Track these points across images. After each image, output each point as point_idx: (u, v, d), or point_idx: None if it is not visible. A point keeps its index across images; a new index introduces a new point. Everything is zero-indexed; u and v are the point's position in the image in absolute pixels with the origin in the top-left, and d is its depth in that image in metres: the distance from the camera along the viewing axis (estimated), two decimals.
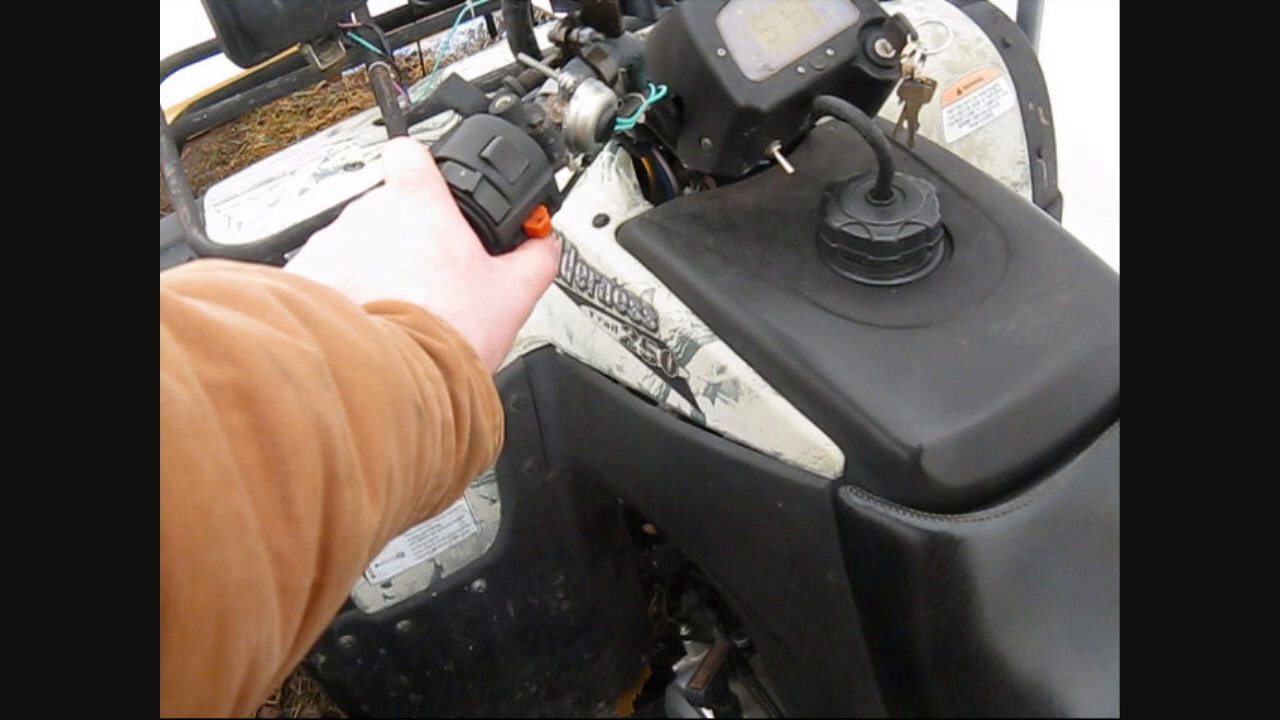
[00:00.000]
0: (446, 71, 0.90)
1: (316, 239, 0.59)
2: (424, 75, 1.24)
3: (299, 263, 0.58)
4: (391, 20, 1.34)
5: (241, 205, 1.06)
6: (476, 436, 0.52)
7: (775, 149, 0.86)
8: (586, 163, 0.72)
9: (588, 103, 0.68)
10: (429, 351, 0.49)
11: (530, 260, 0.63)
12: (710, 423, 0.87)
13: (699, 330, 0.85)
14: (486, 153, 0.61)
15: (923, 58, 0.82)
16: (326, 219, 0.96)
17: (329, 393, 0.39)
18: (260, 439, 0.34)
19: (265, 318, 0.38)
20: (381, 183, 0.61)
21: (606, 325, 0.94)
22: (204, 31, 1.00)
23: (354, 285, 0.54)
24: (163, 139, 1.03)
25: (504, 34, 1.45)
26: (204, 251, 0.97)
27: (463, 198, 0.60)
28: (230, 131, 3.22)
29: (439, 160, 0.62)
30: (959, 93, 1.20)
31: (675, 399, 0.90)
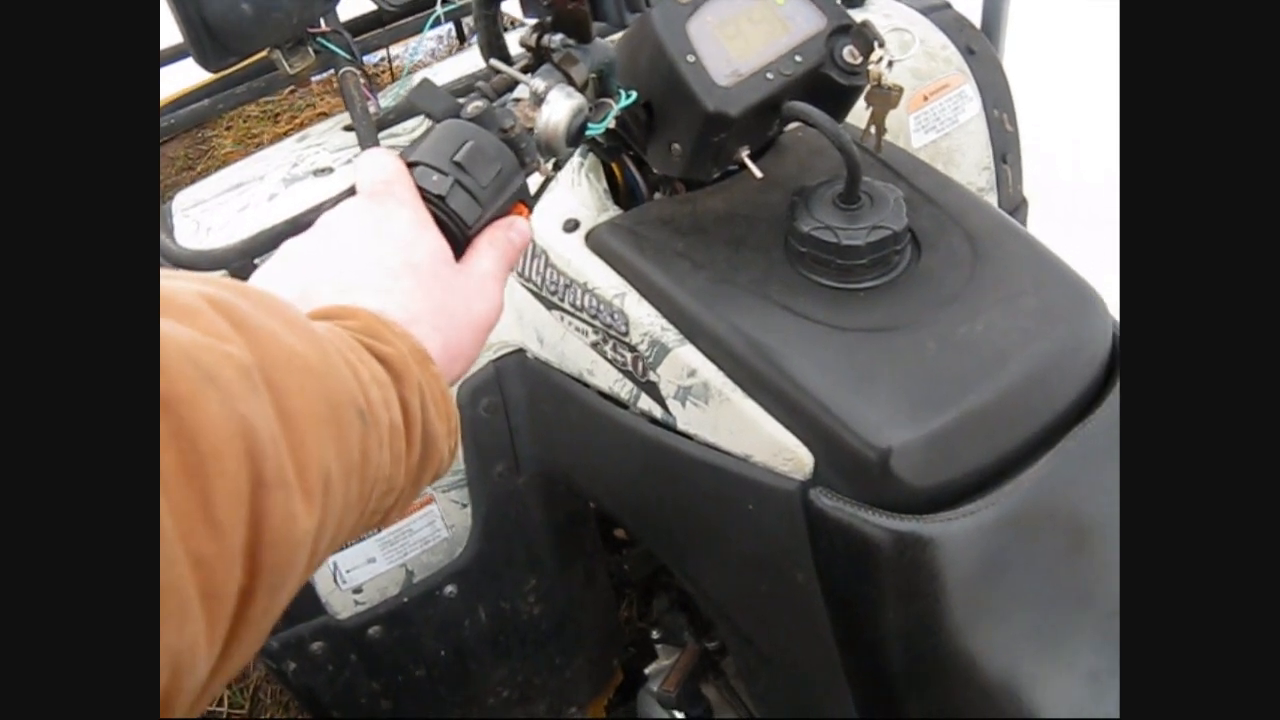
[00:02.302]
0: (416, 77, 0.90)
1: (286, 247, 0.59)
2: (393, 81, 1.24)
3: (265, 269, 0.58)
4: (361, 25, 1.33)
5: (210, 210, 1.06)
6: (429, 440, 0.52)
7: (744, 154, 0.87)
8: (557, 167, 0.72)
9: (559, 108, 0.68)
10: (377, 356, 0.49)
11: (487, 257, 0.63)
12: (681, 426, 0.88)
13: (669, 334, 0.85)
14: (458, 157, 0.62)
15: (889, 64, 0.83)
16: (296, 224, 0.96)
17: (256, 396, 0.38)
18: (179, 443, 0.34)
19: (195, 323, 0.38)
20: (353, 190, 0.61)
21: (577, 330, 0.94)
22: (170, 35, 1.00)
23: (312, 292, 0.54)
24: None
25: (473, 40, 1.45)
26: (172, 257, 0.97)
27: (435, 202, 0.61)
28: (197, 137, 3.20)
29: (411, 165, 0.62)
30: (925, 99, 1.21)
31: (646, 402, 0.90)
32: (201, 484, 0.35)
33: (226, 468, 0.36)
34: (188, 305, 0.39)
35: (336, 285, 0.55)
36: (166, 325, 0.37)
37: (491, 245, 0.64)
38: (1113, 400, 0.81)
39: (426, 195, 0.61)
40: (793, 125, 0.95)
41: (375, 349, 0.49)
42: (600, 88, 0.76)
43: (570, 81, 0.71)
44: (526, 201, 0.67)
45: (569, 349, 0.97)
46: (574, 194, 0.96)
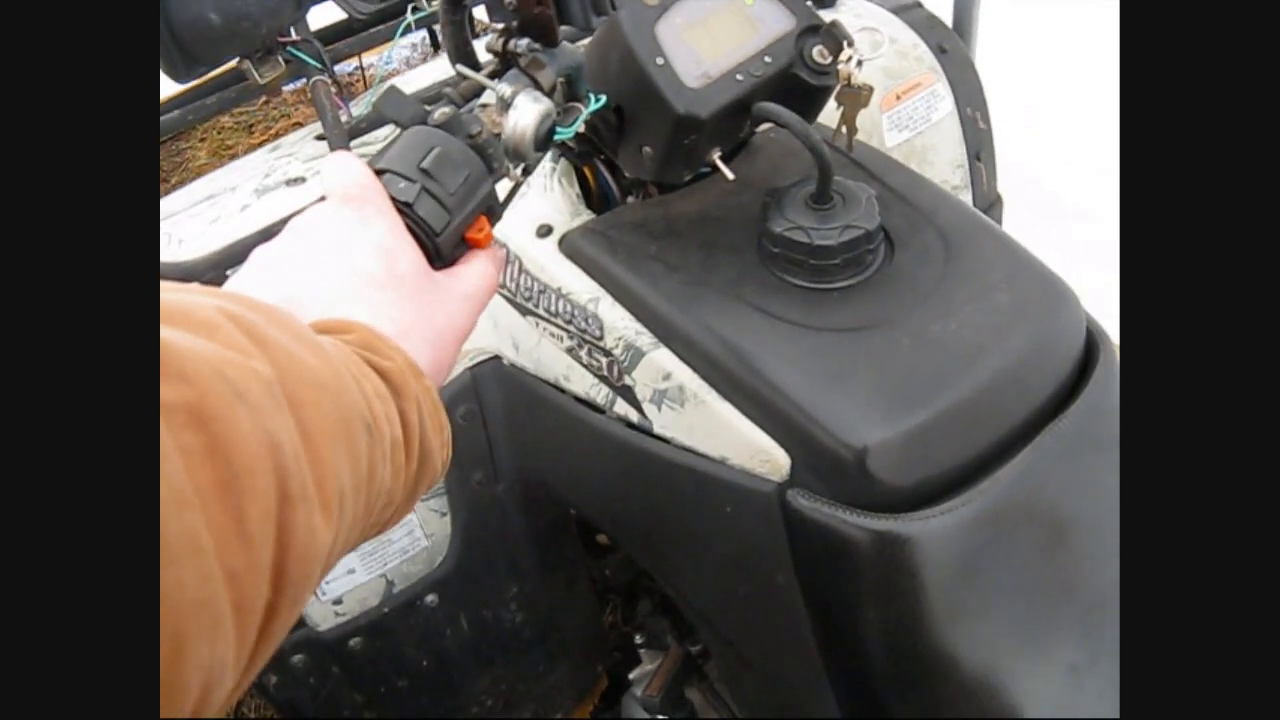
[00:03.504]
0: (387, 85, 0.89)
1: (258, 254, 0.59)
2: (365, 90, 1.23)
3: (240, 279, 0.57)
4: (332, 34, 1.33)
5: (182, 222, 1.05)
6: (425, 453, 0.52)
7: (716, 156, 0.87)
8: (527, 172, 0.72)
9: (526, 112, 0.68)
10: (377, 370, 0.49)
11: (472, 274, 0.63)
12: (657, 429, 0.88)
13: (644, 338, 0.85)
14: (425, 164, 0.61)
15: (859, 63, 0.83)
16: (268, 235, 0.95)
17: (281, 412, 0.39)
18: (214, 459, 0.35)
19: (216, 338, 0.38)
20: (323, 198, 0.61)
21: (552, 335, 0.94)
22: None
23: (298, 304, 0.54)
24: None
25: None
26: None
27: (403, 209, 0.60)
28: (171, 149, 3.18)
29: (378, 172, 0.62)
30: (898, 98, 1.21)
31: (622, 407, 0.90)
32: (236, 500, 0.35)
33: (258, 484, 0.36)
34: (208, 320, 0.39)
35: (321, 298, 0.54)
36: (190, 340, 0.37)
37: (478, 267, 0.64)
38: (1087, 395, 0.81)
39: (394, 203, 0.60)
40: (764, 126, 0.95)
41: (375, 363, 0.49)
42: (569, 92, 0.76)
43: (537, 86, 0.71)
44: (495, 208, 0.67)
45: (544, 355, 0.97)
46: (546, 199, 0.96)
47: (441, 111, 0.65)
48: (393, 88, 0.68)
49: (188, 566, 0.32)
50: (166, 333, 0.36)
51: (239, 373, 0.37)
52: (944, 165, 1.26)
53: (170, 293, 0.41)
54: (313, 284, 0.55)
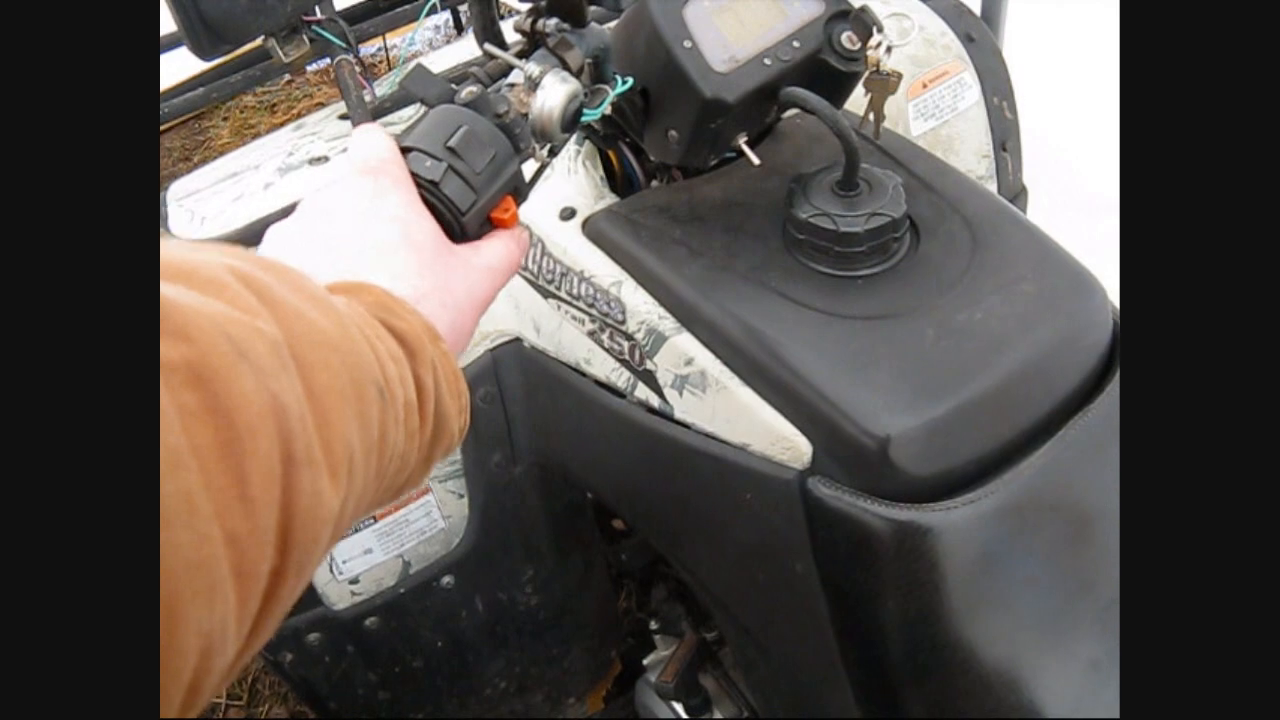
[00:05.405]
0: (412, 65, 0.89)
1: (275, 229, 0.59)
2: (389, 70, 1.23)
3: (260, 254, 0.57)
4: (357, 14, 1.33)
5: (205, 200, 1.05)
6: (441, 418, 0.51)
7: (742, 141, 0.86)
8: (553, 153, 0.72)
9: (554, 93, 0.68)
10: (391, 331, 0.49)
11: (495, 250, 0.63)
12: (678, 415, 0.87)
13: (666, 322, 0.85)
14: (452, 143, 0.61)
15: (888, 50, 0.83)
16: (290, 213, 0.96)
17: (287, 373, 0.38)
18: (215, 419, 0.34)
19: (222, 296, 0.38)
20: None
21: (574, 318, 0.94)
22: (165, 24, 0.99)
23: (315, 272, 0.54)
24: None
25: (469, 29, 1.44)
26: None
27: (428, 187, 0.60)
28: (194, 128, 3.19)
29: (405, 150, 0.61)
30: (924, 86, 1.20)
31: (643, 391, 0.90)
32: (237, 461, 0.34)
33: (260, 445, 0.35)
34: (214, 278, 0.38)
35: (338, 267, 0.54)
36: (194, 298, 0.36)
37: (500, 243, 0.63)
38: (1113, 388, 0.80)
39: (420, 181, 0.60)
40: (791, 112, 0.94)
41: (390, 324, 0.49)
42: (596, 73, 0.75)
43: (565, 66, 0.70)
44: (520, 188, 0.66)
45: (566, 338, 0.96)
46: (570, 182, 0.96)
47: (469, 90, 0.65)
48: (420, 66, 0.68)
49: (182, 528, 0.32)
50: (170, 290, 0.35)
51: (243, 332, 0.36)
52: (969, 155, 1.25)
53: (178, 250, 0.40)
54: (329, 252, 0.55)
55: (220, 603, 0.33)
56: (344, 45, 1.08)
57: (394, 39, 1.46)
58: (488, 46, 0.73)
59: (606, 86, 0.75)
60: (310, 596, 1.04)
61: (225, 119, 3.23)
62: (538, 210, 0.94)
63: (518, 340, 1.02)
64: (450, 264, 0.58)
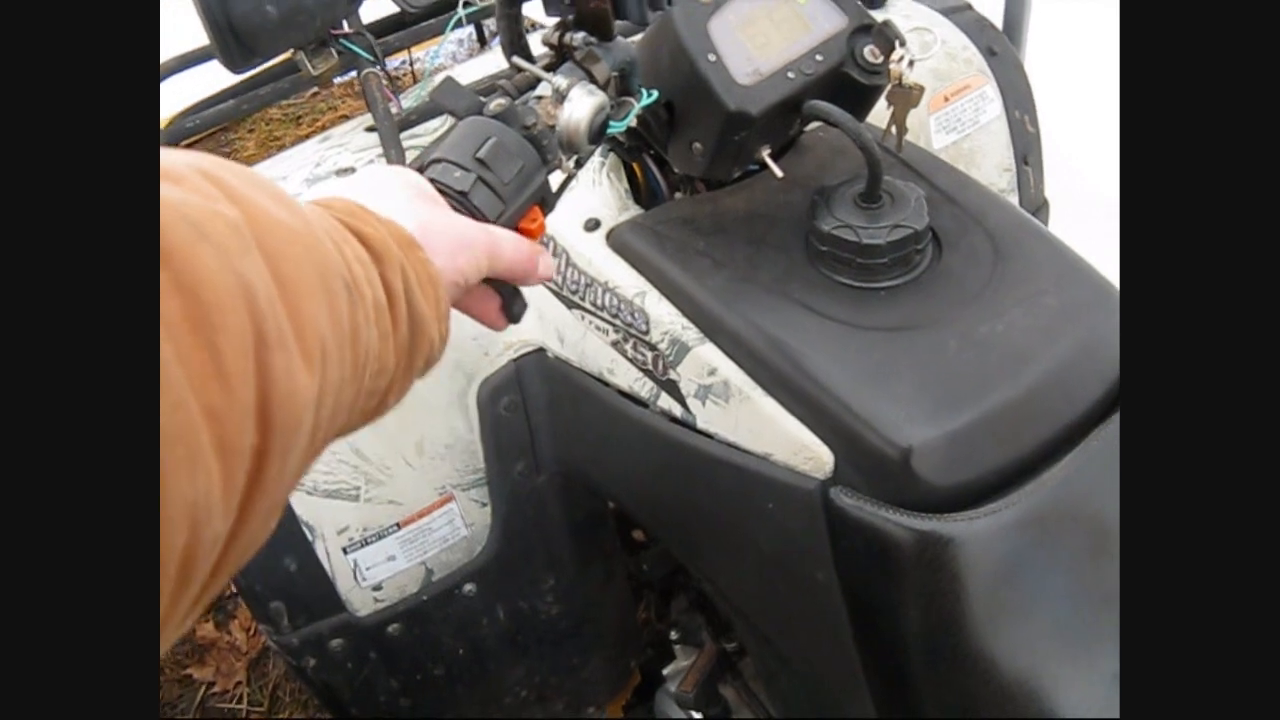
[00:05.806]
0: (439, 78, 0.90)
1: None
2: (415, 83, 1.24)
3: None
4: (383, 28, 1.34)
5: None
6: (417, 321, 0.52)
7: (765, 153, 0.87)
8: (579, 165, 0.73)
9: (581, 105, 0.68)
10: (357, 235, 0.49)
11: (515, 238, 0.63)
12: (701, 425, 0.88)
13: (690, 333, 0.85)
14: (481, 154, 0.62)
15: (910, 63, 0.83)
16: None
17: (250, 255, 0.38)
18: (182, 294, 0.34)
19: (181, 185, 0.38)
20: None
21: (597, 328, 0.94)
22: (197, 38, 1.01)
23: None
24: None
25: (494, 43, 1.45)
26: None
27: (456, 198, 0.61)
28: (220, 140, 3.22)
29: (434, 161, 0.62)
30: (946, 100, 1.21)
31: (666, 401, 0.91)
32: (208, 336, 0.35)
33: (230, 321, 0.35)
34: (173, 171, 0.39)
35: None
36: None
37: (523, 242, 0.64)
38: None
39: (448, 191, 0.61)
40: (813, 125, 0.95)
41: (355, 228, 0.49)
42: (622, 86, 0.76)
43: (592, 79, 0.71)
44: (548, 199, 0.67)
45: (589, 348, 0.97)
46: (595, 193, 0.97)
47: (497, 103, 0.66)
48: (449, 79, 0.69)
49: None
50: None
51: (201, 214, 0.37)
52: (991, 168, 1.26)
53: None
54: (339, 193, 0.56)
55: (203, 473, 0.34)
56: (371, 59, 1.09)
57: (419, 52, 1.48)
58: (516, 60, 0.74)
59: (632, 99, 0.76)
60: (333, 603, 1.05)
61: (251, 131, 3.25)
62: (563, 221, 0.95)
63: (541, 350, 1.03)
64: (454, 217, 0.59)
